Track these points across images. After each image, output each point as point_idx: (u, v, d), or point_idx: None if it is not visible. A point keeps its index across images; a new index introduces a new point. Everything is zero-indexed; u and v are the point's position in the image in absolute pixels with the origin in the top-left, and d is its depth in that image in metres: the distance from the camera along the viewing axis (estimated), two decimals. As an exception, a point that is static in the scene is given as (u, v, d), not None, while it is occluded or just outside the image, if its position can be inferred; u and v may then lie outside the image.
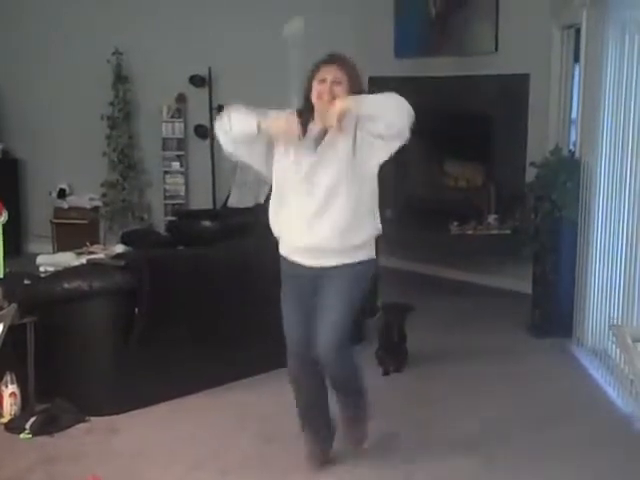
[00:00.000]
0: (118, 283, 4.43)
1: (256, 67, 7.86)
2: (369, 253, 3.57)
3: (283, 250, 3.61)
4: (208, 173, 8.24)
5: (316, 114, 3.44)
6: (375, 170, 3.48)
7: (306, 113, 3.47)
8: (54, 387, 4.42)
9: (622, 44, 5.00)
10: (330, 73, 3.40)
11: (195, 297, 4.71)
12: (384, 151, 3.42)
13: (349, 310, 3.54)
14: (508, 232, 6.75)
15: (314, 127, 3.45)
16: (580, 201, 5.55)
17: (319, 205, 3.42)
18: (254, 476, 3.85)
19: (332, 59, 3.45)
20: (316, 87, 3.41)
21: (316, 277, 3.51)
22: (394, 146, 3.40)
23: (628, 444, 4.16)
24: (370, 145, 3.39)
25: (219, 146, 8.78)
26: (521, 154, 6.74)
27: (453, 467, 3.91)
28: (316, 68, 3.44)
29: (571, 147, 6.28)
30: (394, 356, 5.13)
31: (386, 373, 5.09)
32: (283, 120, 3.40)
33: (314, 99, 3.42)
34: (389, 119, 3.30)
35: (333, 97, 3.36)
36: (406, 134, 3.34)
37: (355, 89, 3.41)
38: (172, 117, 8.33)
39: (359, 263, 3.53)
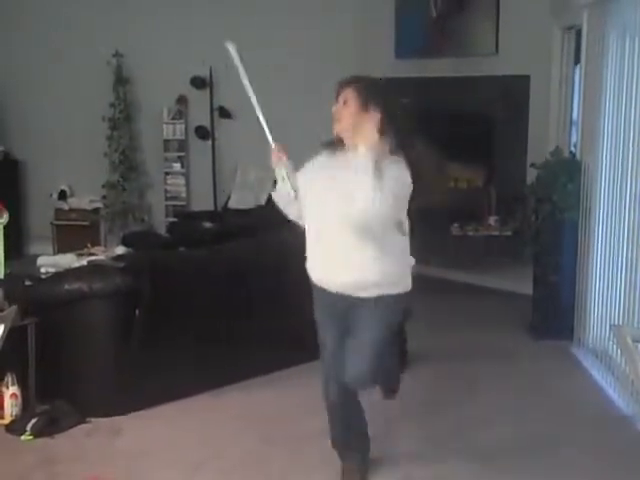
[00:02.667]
0: (119, 284, 4.43)
1: (257, 68, 7.84)
2: (405, 286, 3.51)
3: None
4: (209, 174, 8.24)
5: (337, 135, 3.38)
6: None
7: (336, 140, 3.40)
8: (55, 388, 4.42)
9: (622, 46, 5.00)
10: (341, 95, 3.34)
11: (196, 298, 4.71)
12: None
13: (380, 339, 3.46)
14: (509, 233, 6.75)
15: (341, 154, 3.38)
16: (581, 202, 5.55)
17: (349, 241, 3.32)
18: (256, 477, 3.85)
19: (346, 80, 3.37)
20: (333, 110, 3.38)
21: (351, 305, 3.43)
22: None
23: (629, 445, 4.16)
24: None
25: (220, 147, 8.79)
26: (522, 155, 6.74)
27: (453, 467, 3.92)
28: (335, 91, 3.39)
29: (572, 148, 6.29)
30: (395, 357, 5.13)
31: (387, 374, 5.08)
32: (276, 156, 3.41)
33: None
34: None
35: (337, 119, 3.32)
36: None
37: (363, 101, 3.29)
38: (173, 118, 8.34)
39: (393, 295, 3.44)
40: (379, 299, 3.37)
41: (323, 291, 3.44)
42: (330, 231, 3.32)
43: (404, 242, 3.50)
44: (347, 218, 3.22)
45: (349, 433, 3.69)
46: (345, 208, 3.19)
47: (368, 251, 3.30)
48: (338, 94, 3.35)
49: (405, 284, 3.49)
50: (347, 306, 3.40)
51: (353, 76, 3.38)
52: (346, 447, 3.73)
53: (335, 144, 3.39)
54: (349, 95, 3.30)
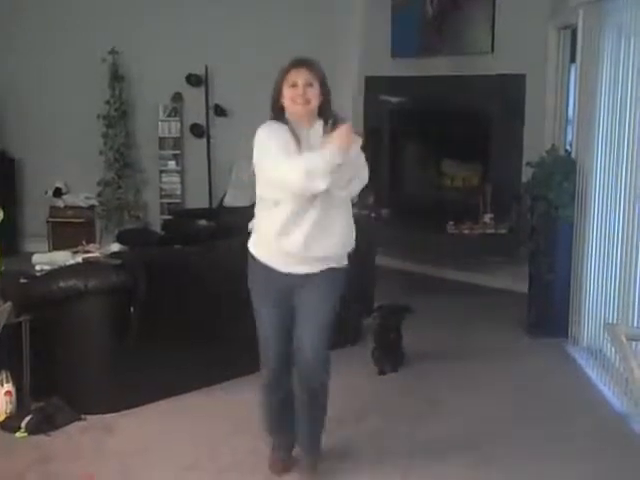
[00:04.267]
0: (114, 282, 4.43)
1: (252, 67, 7.85)
2: (345, 259, 3.58)
3: (260, 254, 3.55)
4: (204, 172, 8.24)
5: (291, 116, 3.43)
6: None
7: (279, 117, 3.45)
8: (49, 386, 4.41)
9: (618, 45, 5.01)
10: (301, 76, 3.39)
11: (191, 296, 4.71)
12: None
13: (333, 314, 3.55)
14: (504, 232, 6.76)
15: (298, 127, 3.43)
16: (576, 201, 5.56)
17: (318, 213, 3.39)
18: (250, 475, 3.84)
19: (301, 62, 3.44)
20: (288, 92, 3.40)
21: (297, 283, 3.50)
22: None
23: (623, 443, 4.17)
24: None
25: (215, 145, 8.77)
26: (517, 154, 6.75)
27: (450, 466, 3.91)
28: (285, 72, 3.43)
29: (567, 147, 6.30)
30: (390, 356, 5.14)
31: (382, 373, 5.09)
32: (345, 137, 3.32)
33: (287, 102, 3.42)
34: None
35: (307, 100, 3.37)
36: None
37: (325, 92, 3.43)
38: (168, 116, 8.34)
39: (342, 267, 3.55)
40: (330, 271, 3.48)
41: (271, 270, 3.49)
42: (313, 207, 3.37)
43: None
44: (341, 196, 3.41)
45: (283, 415, 3.73)
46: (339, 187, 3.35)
47: (348, 224, 3.52)
48: (292, 75, 3.40)
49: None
50: (295, 284, 3.47)
51: (306, 58, 3.47)
52: (275, 427, 3.79)
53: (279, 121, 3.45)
54: (312, 77, 3.39)
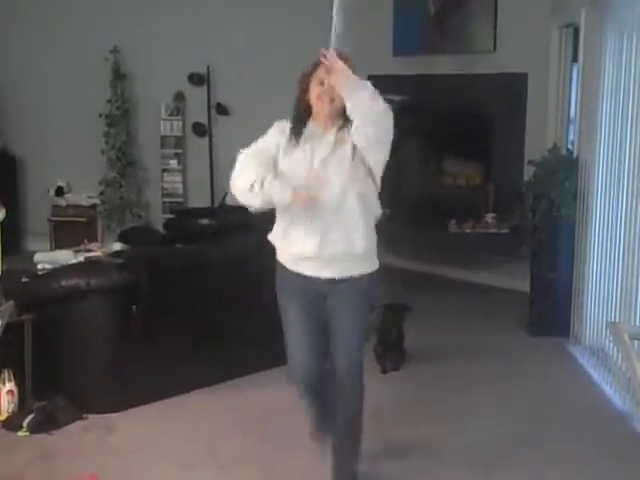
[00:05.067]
0: (116, 281, 4.43)
1: (254, 65, 7.85)
2: (374, 264, 3.46)
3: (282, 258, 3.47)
4: (206, 171, 8.24)
5: (315, 115, 3.34)
6: (375, 171, 3.35)
7: (302, 115, 3.36)
8: (51, 385, 4.42)
9: (620, 43, 5.01)
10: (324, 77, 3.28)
11: (193, 295, 4.71)
12: (375, 154, 3.30)
13: (364, 325, 3.50)
14: (506, 231, 6.75)
15: (314, 130, 3.34)
16: (578, 200, 5.55)
17: (332, 210, 3.30)
18: (250, 474, 3.85)
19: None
20: (315, 88, 3.31)
21: (323, 292, 3.39)
22: (382, 149, 3.29)
23: (626, 442, 4.17)
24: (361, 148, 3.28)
25: (217, 144, 8.75)
26: (519, 153, 6.74)
27: (452, 466, 3.91)
28: (313, 69, 3.34)
29: (569, 146, 6.29)
30: (392, 354, 5.14)
31: (384, 371, 5.09)
32: (304, 195, 3.24)
33: (313, 100, 3.32)
34: (367, 130, 3.19)
35: (332, 99, 3.26)
36: (388, 138, 3.25)
37: None
38: (170, 115, 8.33)
39: (368, 275, 3.42)
40: (359, 279, 3.39)
41: (297, 276, 3.40)
42: (330, 209, 3.29)
43: None
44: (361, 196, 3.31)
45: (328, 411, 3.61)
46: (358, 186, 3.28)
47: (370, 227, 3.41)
48: (321, 72, 3.28)
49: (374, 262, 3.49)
50: (324, 291, 3.38)
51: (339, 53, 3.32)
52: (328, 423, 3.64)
53: (301, 121, 3.37)
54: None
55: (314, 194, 3.24)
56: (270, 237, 3.51)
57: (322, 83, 3.29)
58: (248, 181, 3.31)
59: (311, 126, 3.36)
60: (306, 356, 3.43)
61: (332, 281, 3.36)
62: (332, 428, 3.59)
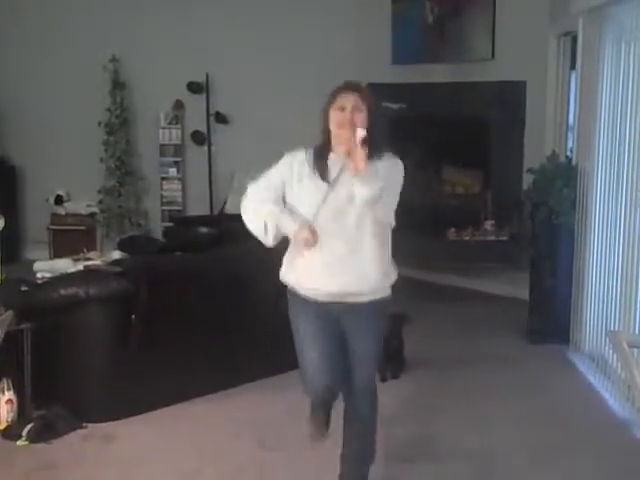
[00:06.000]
0: (115, 289, 4.43)
1: (254, 74, 7.87)
2: (389, 287, 3.45)
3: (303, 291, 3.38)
4: (205, 179, 8.24)
5: (335, 143, 3.29)
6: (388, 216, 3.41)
7: (325, 144, 3.31)
8: (51, 394, 4.41)
9: (618, 51, 5.02)
10: (350, 101, 3.24)
11: (192, 303, 4.70)
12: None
13: (380, 344, 3.50)
14: (505, 238, 6.76)
15: (336, 160, 3.27)
16: (577, 207, 5.56)
17: (350, 244, 3.26)
18: (251, 483, 3.85)
19: (351, 86, 3.30)
20: (335, 116, 3.26)
21: (339, 314, 3.36)
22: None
23: (625, 449, 4.16)
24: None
25: (216, 153, 8.75)
26: (518, 160, 6.75)
27: (451, 474, 3.91)
28: (333, 96, 3.29)
29: (568, 153, 6.30)
30: (391, 362, 5.13)
31: (383, 379, 5.08)
32: (305, 234, 3.20)
33: (334, 129, 3.27)
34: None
35: (354, 126, 3.18)
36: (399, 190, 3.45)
37: (372, 119, 3.26)
38: (169, 123, 8.35)
39: (386, 298, 3.42)
40: (375, 302, 3.36)
41: (311, 302, 3.34)
42: (344, 237, 3.26)
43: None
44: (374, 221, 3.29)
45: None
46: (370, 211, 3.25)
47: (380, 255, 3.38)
48: (341, 99, 3.26)
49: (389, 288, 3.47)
50: (339, 313, 3.35)
51: (356, 82, 3.34)
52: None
53: (324, 149, 3.32)
54: (361, 102, 3.25)
55: (315, 241, 3.21)
56: (281, 274, 3.45)
57: (342, 109, 3.25)
58: (260, 223, 3.29)
59: (332, 156, 3.29)
60: (323, 371, 3.33)
61: (347, 305, 3.33)
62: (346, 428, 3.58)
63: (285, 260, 3.42)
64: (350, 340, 3.41)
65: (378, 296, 3.37)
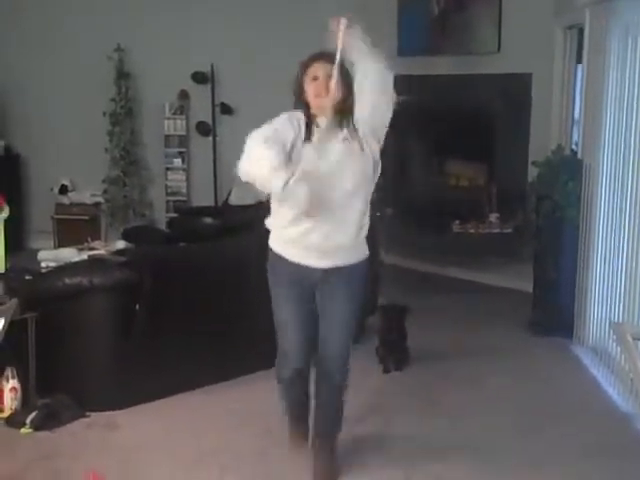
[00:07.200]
0: (119, 279, 4.44)
1: (259, 65, 7.86)
2: (366, 250, 3.54)
3: (288, 252, 3.47)
4: (210, 170, 8.25)
5: (316, 111, 3.33)
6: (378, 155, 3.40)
7: (308, 117, 3.35)
8: (55, 382, 4.43)
9: (625, 44, 5.00)
10: (322, 69, 3.31)
11: (196, 294, 4.71)
12: (380, 117, 3.30)
13: (358, 309, 3.56)
14: (509, 231, 6.75)
15: (322, 126, 3.31)
16: (582, 201, 5.55)
17: (342, 203, 3.32)
18: (253, 472, 3.85)
19: (323, 56, 3.35)
20: (310, 86, 3.33)
21: (321, 279, 3.45)
22: (385, 110, 3.29)
23: (629, 443, 4.16)
24: (369, 131, 3.31)
25: (221, 143, 8.72)
26: (523, 153, 6.74)
27: (453, 467, 3.91)
28: (305, 67, 3.36)
29: (573, 147, 6.29)
30: (394, 354, 5.14)
31: (386, 371, 5.09)
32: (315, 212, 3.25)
33: (312, 99, 3.32)
34: (373, 78, 3.21)
35: (330, 90, 3.21)
36: (390, 96, 3.25)
37: (348, 84, 3.27)
38: (174, 114, 8.35)
39: (364, 260, 3.52)
40: (355, 266, 3.46)
41: (293, 264, 3.43)
42: (338, 201, 3.30)
43: None
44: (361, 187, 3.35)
45: (306, 409, 3.80)
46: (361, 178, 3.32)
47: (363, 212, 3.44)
48: (313, 69, 3.32)
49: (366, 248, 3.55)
50: (320, 277, 3.43)
51: (326, 50, 3.33)
52: (304, 421, 3.81)
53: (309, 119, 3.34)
54: (328, 69, 3.26)
55: (316, 213, 3.24)
56: (268, 223, 3.52)
57: (315, 79, 3.32)
58: (269, 162, 3.22)
59: (318, 124, 3.33)
60: (298, 338, 3.52)
61: (331, 269, 3.41)
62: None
63: (275, 219, 3.46)
64: (327, 304, 3.47)
65: (360, 258, 3.47)
